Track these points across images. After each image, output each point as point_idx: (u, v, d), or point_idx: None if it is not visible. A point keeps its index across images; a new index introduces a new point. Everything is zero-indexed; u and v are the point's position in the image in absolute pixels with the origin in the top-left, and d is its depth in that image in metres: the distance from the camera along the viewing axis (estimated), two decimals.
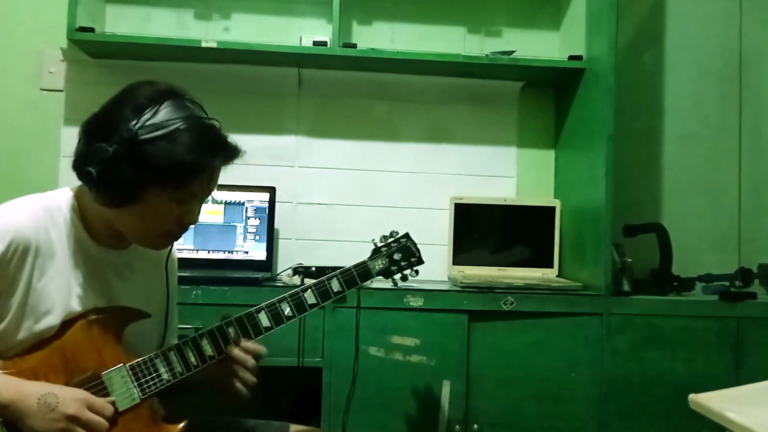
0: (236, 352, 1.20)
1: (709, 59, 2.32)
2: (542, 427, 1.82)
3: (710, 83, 2.31)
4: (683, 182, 2.29)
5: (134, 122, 1.04)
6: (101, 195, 1.06)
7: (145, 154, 1.03)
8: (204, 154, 1.07)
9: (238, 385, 1.21)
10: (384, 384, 1.78)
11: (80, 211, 1.14)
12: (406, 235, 1.44)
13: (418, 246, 1.44)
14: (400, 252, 1.42)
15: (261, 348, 1.22)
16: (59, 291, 1.09)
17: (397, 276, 1.42)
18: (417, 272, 1.45)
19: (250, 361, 1.21)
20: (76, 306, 1.11)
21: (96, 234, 1.15)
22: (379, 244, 1.42)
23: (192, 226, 1.17)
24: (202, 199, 1.15)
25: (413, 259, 1.43)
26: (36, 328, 1.07)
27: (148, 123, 1.04)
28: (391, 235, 1.43)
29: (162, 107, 1.06)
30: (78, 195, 1.14)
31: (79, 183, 1.11)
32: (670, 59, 2.31)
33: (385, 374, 1.78)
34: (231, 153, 1.12)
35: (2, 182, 2.09)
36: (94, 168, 1.04)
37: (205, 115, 1.12)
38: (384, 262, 1.40)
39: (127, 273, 1.21)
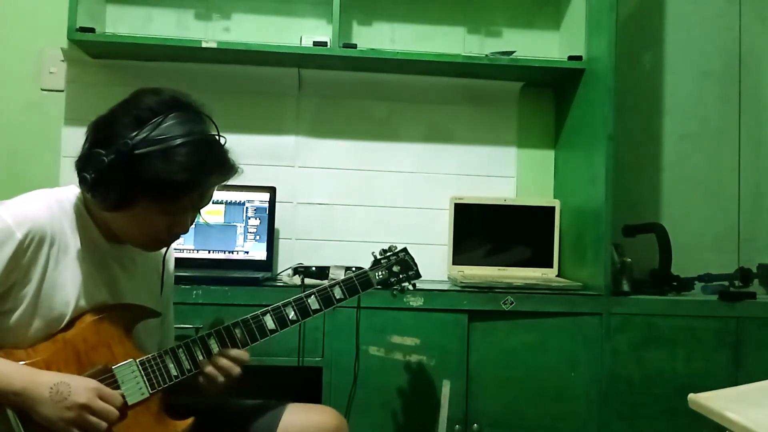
0: (212, 369, 1.20)
1: (708, 60, 2.32)
2: (542, 426, 1.83)
3: (710, 84, 2.32)
4: (683, 182, 2.29)
5: (133, 134, 1.06)
6: (95, 199, 1.09)
7: (139, 169, 1.05)
8: (198, 174, 1.09)
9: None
10: (384, 384, 1.78)
11: (86, 207, 1.17)
12: (404, 250, 1.51)
13: (419, 248, 1.50)
14: (399, 265, 1.48)
15: (244, 354, 1.24)
16: (72, 281, 1.12)
17: (396, 288, 1.49)
18: (414, 285, 1.51)
19: (235, 369, 1.22)
20: (87, 296, 1.13)
21: (101, 229, 1.18)
22: (379, 257, 1.48)
23: (190, 229, 1.19)
24: (195, 212, 1.18)
25: (411, 273, 1.50)
26: (49, 317, 1.09)
27: (147, 137, 1.06)
28: (390, 249, 1.50)
29: (163, 121, 1.07)
30: (83, 191, 1.16)
31: None
32: (670, 59, 2.32)
33: (385, 374, 1.78)
34: (228, 172, 1.15)
35: (2, 182, 2.09)
36: (89, 174, 1.06)
37: (210, 126, 1.14)
38: (384, 273, 1.46)
39: (132, 267, 1.24)
